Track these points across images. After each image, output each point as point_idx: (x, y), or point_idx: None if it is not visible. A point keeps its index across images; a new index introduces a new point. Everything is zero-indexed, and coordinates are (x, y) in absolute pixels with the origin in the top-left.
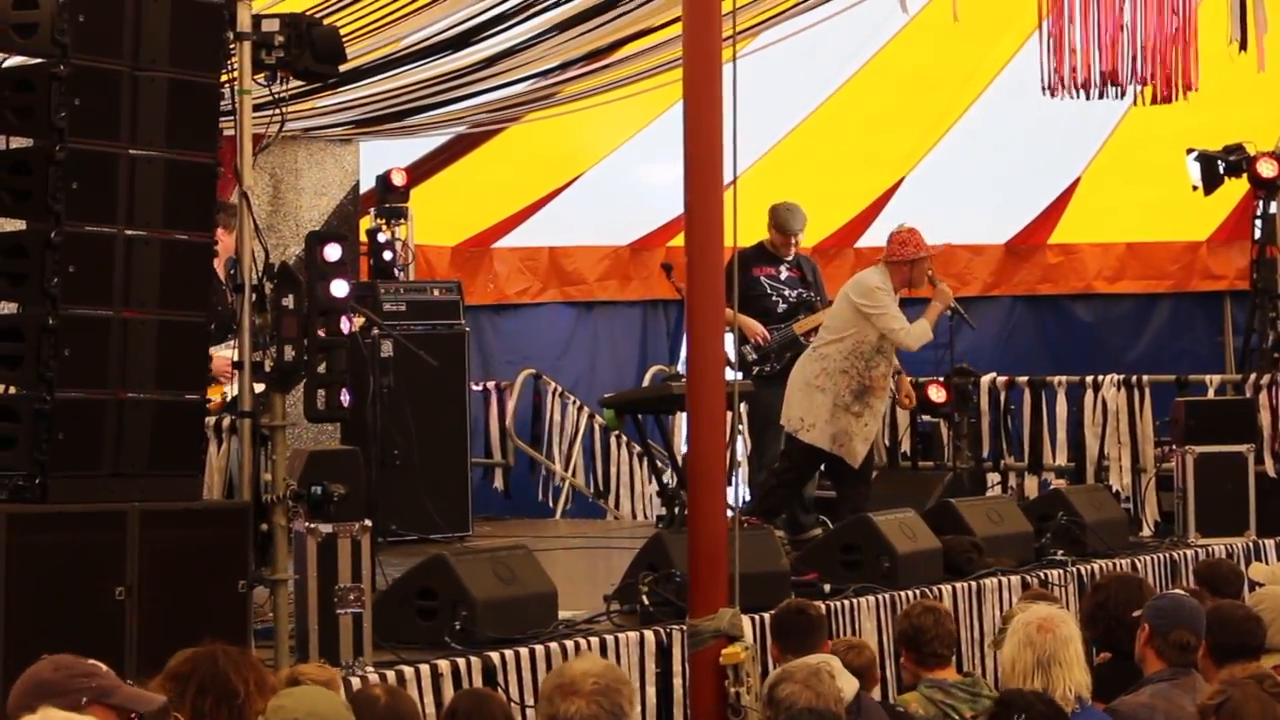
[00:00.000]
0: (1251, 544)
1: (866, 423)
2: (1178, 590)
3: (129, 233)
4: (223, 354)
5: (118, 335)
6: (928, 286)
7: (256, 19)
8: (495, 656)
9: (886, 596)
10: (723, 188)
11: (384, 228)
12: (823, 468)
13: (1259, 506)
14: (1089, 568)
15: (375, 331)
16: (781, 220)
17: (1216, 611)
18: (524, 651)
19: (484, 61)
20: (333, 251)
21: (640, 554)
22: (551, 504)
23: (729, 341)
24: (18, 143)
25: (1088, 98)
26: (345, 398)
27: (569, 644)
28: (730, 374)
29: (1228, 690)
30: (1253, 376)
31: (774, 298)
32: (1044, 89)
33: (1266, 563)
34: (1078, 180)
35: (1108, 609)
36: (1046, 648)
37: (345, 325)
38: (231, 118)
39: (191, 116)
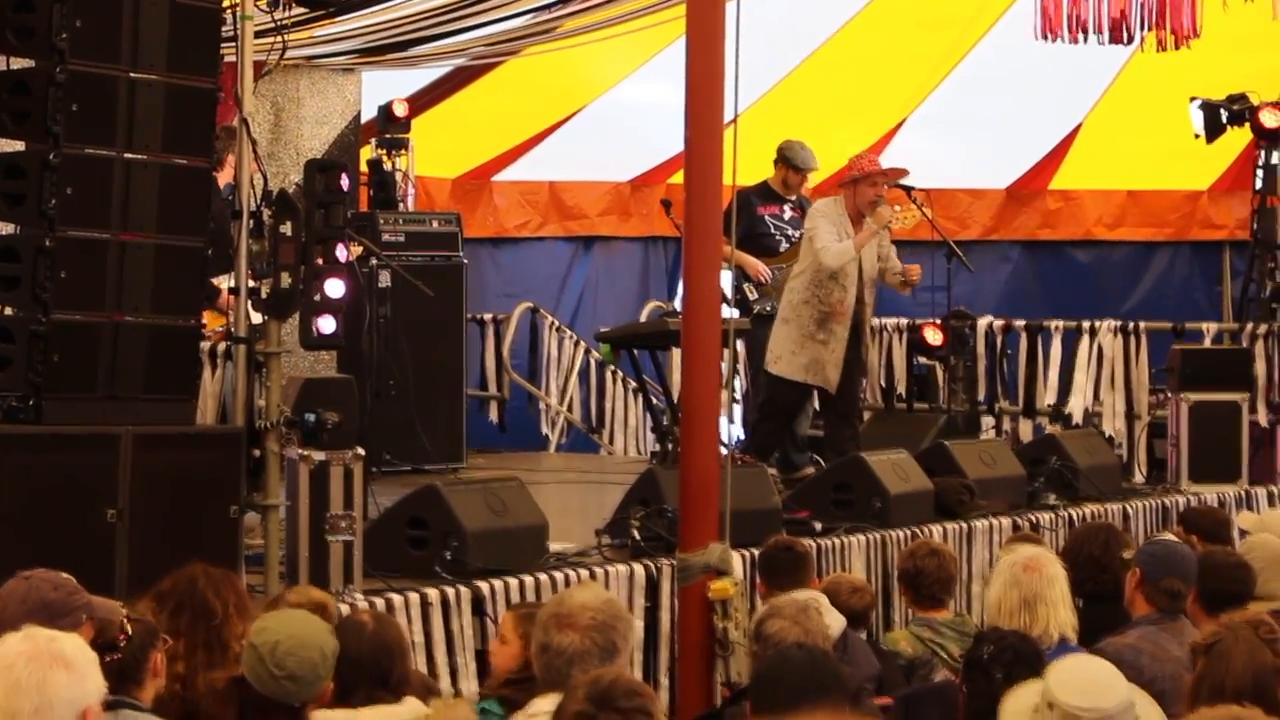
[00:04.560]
0: (1243, 493)
1: (834, 349)
2: (1170, 536)
3: (128, 156)
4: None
5: (114, 258)
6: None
7: None
8: (484, 587)
9: (877, 536)
10: (723, 125)
11: (385, 158)
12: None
13: (1251, 455)
14: (1080, 512)
15: (373, 261)
16: (800, 159)
17: (1207, 558)
18: (513, 582)
19: None
20: (343, 180)
21: (632, 489)
22: (547, 435)
23: (727, 279)
24: (18, 64)
25: (1086, 43)
26: (329, 324)
27: (559, 575)
28: (727, 311)
29: (1220, 633)
30: (1249, 326)
31: (777, 236)
32: (1038, 34)
33: (1257, 511)
34: (1079, 126)
35: (1080, 563)
36: (1032, 586)
37: (342, 253)
38: (233, 44)
39: (192, 41)
